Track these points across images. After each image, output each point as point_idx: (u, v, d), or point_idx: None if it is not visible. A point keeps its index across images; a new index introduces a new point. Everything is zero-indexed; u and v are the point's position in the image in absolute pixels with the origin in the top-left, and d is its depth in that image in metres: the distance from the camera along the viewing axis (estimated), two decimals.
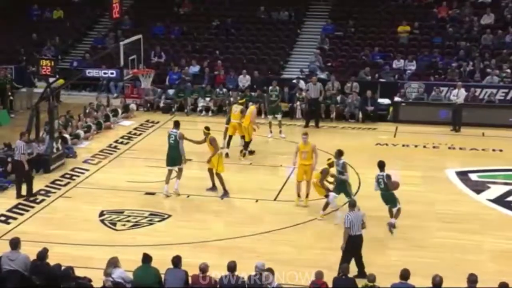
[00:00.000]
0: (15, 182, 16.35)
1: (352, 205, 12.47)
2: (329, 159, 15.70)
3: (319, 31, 29.31)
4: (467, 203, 16.38)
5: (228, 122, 19.69)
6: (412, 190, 15.20)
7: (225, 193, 16.41)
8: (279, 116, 21.65)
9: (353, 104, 24.04)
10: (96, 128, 21.75)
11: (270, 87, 22.73)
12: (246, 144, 19.39)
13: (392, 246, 13.97)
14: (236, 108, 19.30)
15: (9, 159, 16.80)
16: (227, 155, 18.59)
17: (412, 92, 24.55)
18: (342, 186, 14.93)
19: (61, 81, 20.33)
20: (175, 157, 16.43)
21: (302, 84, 24.65)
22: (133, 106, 24.57)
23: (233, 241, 13.88)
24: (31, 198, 16.05)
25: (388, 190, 14.18)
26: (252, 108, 19.96)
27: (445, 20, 28.69)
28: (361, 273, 11.90)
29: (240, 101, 20.00)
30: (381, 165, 14.43)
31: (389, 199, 14.28)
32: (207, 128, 16.89)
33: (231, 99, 23.83)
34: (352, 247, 12.13)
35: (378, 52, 27.37)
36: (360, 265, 12.21)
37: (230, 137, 19.42)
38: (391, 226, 14.27)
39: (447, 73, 25.44)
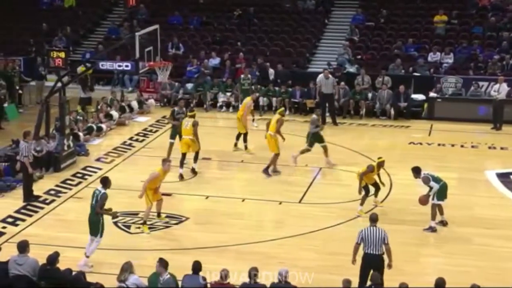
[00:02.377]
0: (22, 184, 16.51)
1: (373, 219, 11.89)
2: (379, 157, 15.73)
3: (348, 21, 29.23)
4: (509, 208, 16.21)
5: (173, 136, 18.66)
6: (448, 194, 15.04)
7: (275, 171, 17.92)
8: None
9: (384, 100, 23.95)
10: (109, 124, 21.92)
11: (242, 75, 24.06)
12: (244, 137, 19.62)
13: (426, 253, 13.92)
14: (187, 122, 17.78)
15: (18, 157, 16.97)
16: (181, 176, 17.45)
17: (449, 87, 24.38)
18: None
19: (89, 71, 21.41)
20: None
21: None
22: (152, 101, 24.71)
23: (255, 246, 13.88)
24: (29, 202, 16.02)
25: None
26: (248, 99, 20.20)
27: (486, 9, 28.47)
28: None
29: (190, 114, 18.35)
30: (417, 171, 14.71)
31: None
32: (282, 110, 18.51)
33: (256, 94, 23.79)
34: (367, 266, 11.48)
35: (412, 44, 27.19)
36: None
37: (184, 155, 17.71)
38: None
39: (488, 67, 25.22)
